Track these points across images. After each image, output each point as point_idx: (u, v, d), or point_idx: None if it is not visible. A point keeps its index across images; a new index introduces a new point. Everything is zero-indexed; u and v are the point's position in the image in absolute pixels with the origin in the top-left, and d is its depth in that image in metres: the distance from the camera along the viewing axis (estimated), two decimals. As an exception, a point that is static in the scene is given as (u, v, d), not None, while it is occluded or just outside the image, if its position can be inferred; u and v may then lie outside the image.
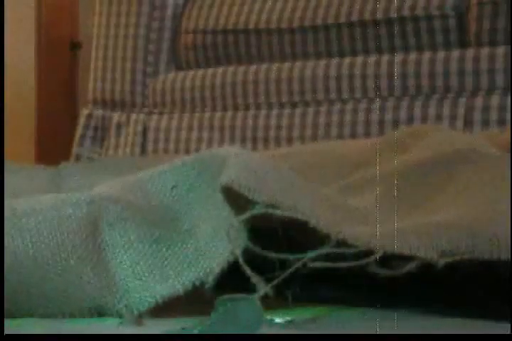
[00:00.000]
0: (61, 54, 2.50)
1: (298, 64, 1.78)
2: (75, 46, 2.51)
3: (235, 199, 0.66)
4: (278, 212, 0.63)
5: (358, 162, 0.87)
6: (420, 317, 0.66)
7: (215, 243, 0.65)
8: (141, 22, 1.97)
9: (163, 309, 0.64)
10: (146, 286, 0.64)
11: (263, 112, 1.81)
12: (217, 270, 0.63)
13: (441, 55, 1.66)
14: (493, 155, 0.81)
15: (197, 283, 0.64)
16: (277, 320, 0.64)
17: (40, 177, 1.10)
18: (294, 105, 1.79)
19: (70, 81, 2.52)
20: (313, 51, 1.79)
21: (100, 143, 2.00)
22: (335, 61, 1.75)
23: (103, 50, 2.00)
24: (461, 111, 1.62)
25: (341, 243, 0.62)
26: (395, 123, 1.67)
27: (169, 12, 1.97)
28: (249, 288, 0.61)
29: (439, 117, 1.64)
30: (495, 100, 1.60)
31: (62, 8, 2.51)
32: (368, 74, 1.71)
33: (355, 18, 1.74)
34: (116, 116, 1.99)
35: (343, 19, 1.75)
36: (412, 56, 1.68)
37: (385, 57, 1.70)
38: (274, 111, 1.80)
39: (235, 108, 1.85)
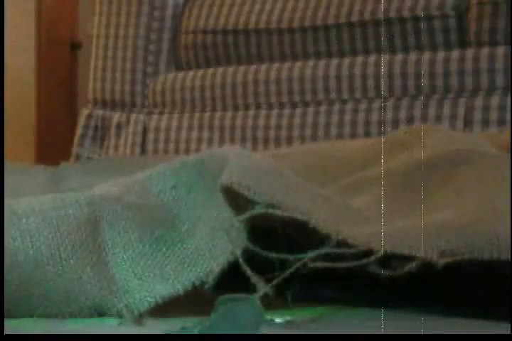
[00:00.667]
0: (61, 54, 2.50)
1: (298, 64, 1.78)
2: (75, 46, 2.51)
3: (235, 200, 0.66)
4: (278, 212, 0.63)
5: (358, 162, 0.87)
6: (420, 317, 0.66)
7: (215, 243, 0.65)
8: (141, 22, 1.97)
9: (163, 309, 0.64)
10: (146, 286, 0.64)
11: (263, 112, 1.81)
12: (217, 270, 0.63)
13: (441, 55, 1.66)
14: (493, 155, 0.81)
15: (197, 283, 0.64)
16: (277, 320, 0.64)
17: (40, 178, 1.10)
18: (294, 105, 1.79)
19: (70, 81, 2.52)
20: (313, 51, 1.79)
21: (100, 143, 2.00)
22: (335, 61, 1.75)
23: (103, 50, 2.00)
24: (461, 111, 1.62)
25: (341, 243, 0.62)
26: (395, 123, 1.67)
27: (169, 12, 1.97)
28: (249, 288, 0.61)
29: (439, 117, 1.64)
30: (495, 100, 1.60)
31: (62, 8, 2.51)
32: (368, 74, 1.71)
33: (355, 18, 1.74)
34: (116, 116, 1.99)
35: (343, 19, 1.75)
36: (412, 56, 1.68)
37: (385, 58, 1.70)
38: (274, 111, 1.80)
39: (235, 108, 1.85)
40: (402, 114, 1.67)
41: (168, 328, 0.57)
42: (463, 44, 1.66)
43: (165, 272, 0.64)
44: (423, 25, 1.69)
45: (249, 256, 0.63)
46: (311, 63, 1.77)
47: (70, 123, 2.34)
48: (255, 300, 0.57)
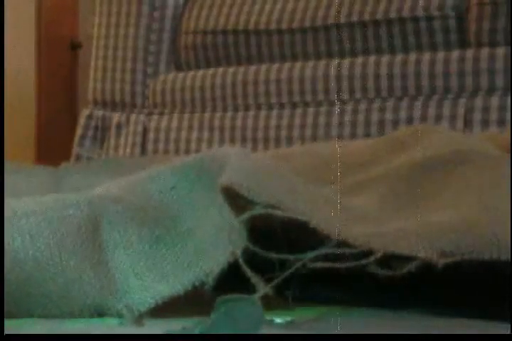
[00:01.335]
0: (61, 54, 2.50)
1: (298, 64, 1.79)
2: (75, 46, 2.51)
3: (235, 200, 0.66)
4: (278, 213, 0.63)
5: (359, 163, 0.87)
6: (420, 317, 0.66)
7: (215, 243, 0.65)
8: (142, 22, 1.97)
9: (164, 309, 0.64)
10: (147, 286, 0.64)
11: (263, 113, 1.81)
12: (217, 270, 0.63)
13: (441, 55, 1.66)
14: (493, 156, 0.81)
15: (197, 283, 0.64)
16: (277, 320, 0.64)
17: (40, 178, 1.10)
18: (294, 105, 1.79)
19: (70, 81, 2.52)
20: (313, 52, 1.79)
21: (100, 143, 2.00)
22: (335, 62, 1.75)
23: (103, 50, 2.00)
24: (461, 111, 1.62)
25: (341, 243, 0.62)
26: (395, 124, 1.67)
27: (169, 12, 1.97)
28: (249, 289, 0.61)
29: (438, 117, 1.64)
30: (495, 100, 1.60)
31: (63, 8, 2.51)
32: (367, 75, 1.71)
33: (355, 18, 1.74)
34: (116, 117, 1.99)
35: (343, 20, 1.75)
36: (412, 56, 1.68)
37: (385, 58, 1.70)
38: (274, 112, 1.80)
39: (235, 108, 1.85)
40: (402, 115, 1.67)
41: (169, 328, 0.57)
42: (463, 44, 1.66)
43: (165, 272, 0.64)
44: (423, 25, 1.69)
45: (249, 257, 0.63)
46: (311, 63, 1.77)
47: (70, 124, 2.34)
48: (255, 300, 0.57)
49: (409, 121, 1.66)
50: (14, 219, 0.67)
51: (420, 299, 0.69)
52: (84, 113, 2.02)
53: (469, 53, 1.63)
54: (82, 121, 2.02)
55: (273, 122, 1.79)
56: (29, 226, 0.67)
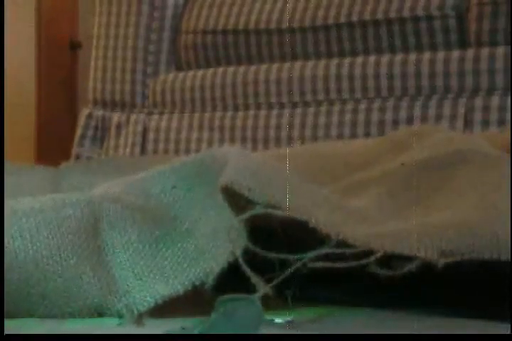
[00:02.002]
0: (61, 54, 2.50)
1: (298, 64, 1.78)
2: (75, 46, 2.51)
3: (235, 200, 0.66)
4: (278, 213, 0.63)
5: (359, 162, 0.87)
6: (420, 317, 0.66)
7: (215, 243, 0.65)
8: (141, 22, 1.97)
9: (163, 309, 0.64)
10: (146, 286, 0.64)
11: (263, 112, 1.81)
12: (217, 270, 0.63)
13: (441, 55, 1.66)
14: (492, 156, 0.81)
15: (197, 283, 0.64)
16: (277, 320, 0.64)
17: (40, 178, 1.10)
18: (294, 105, 1.79)
19: (69, 81, 2.52)
20: (314, 51, 1.79)
21: (100, 143, 2.00)
22: (335, 61, 1.75)
23: (103, 50, 2.00)
24: (461, 111, 1.62)
25: (341, 243, 0.62)
26: (395, 124, 1.67)
27: (169, 12, 1.97)
28: (249, 288, 0.61)
29: (439, 117, 1.64)
30: (495, 100, 1.60)
31: (62, 8, 2.51)
32: (367, 75, 1.71)
33: (355, 18, 1.74)
34: (116, 116, 1.99)
35: (343, 19, 1.75)
36: (412, 56, 1.68)
37: (385, 58, 1.70)
38: (274, 112, 1.80)
39: (235, 108, 1.85)
40: (402, 115, 1.67)
41: (168, 328, 0.57)
42: (463, 44, 1.66)
43: (165, 272, 0.64)
44: (423, 25, 1.69)
45: (249, 256, 0.63)
46: (311, 63, 1.77)
47: (70, 124, 2.34)
48: (255, 300, 0.57)
49: (410, 121, 1.66)
50: (14, 219, 0.67)
51: (420, 299, 0.69)
52: (84, 113, 2.02)
53: (469, 53, 1.63)
54: (81, 120, 2.02)
55: (273, 122, 1.79)
56: (29, 226, 0.67)
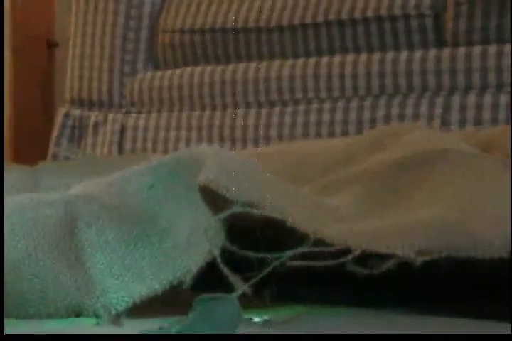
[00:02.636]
0: (37, 53, 2.49)
1: (276, 63, 1.79)
2: (51, 45, 2.50)
3: (213, 199, 0.65)
4: (256, 212, 0.63)
5: (336, 161, 0.87)
6: (404, 316, 0.66)
7: (193, 242, 0.64)
8: (119, 21, 1.96)
9: (141, 309, 0.64)
10: (124, 286, 0.64)
11: (241, 111, 1.81)
12: (194, 269, 0.63)
13: (418, 54, 1.66)
14: (470, 154, 0.81)
15: (175, 282, 0.63)
16: (255, 319, 0.64)
17: (17, 177, 1.09)
18: (272, 104, 1.79)
19: (46, 80, 2.50)
20: (291, 50, 1.79)
21: (77, 142, 1.99)
22: (312, 60, 1.75)
23: (80, 48, 1.99)
24: (438, 110, 1.63)
25: (319, 242, 0.62)
26: (373, 122, 1.67)
27: (147, 11, 1.97)
28: (227, 288, 0.61)
29: (416, 116, 1.64)
30: (471, 99, 1.61)
31: (38, 7, 2.49)
32: (345, 74, 1.71)
33: (332, 17, 1.74)
34: (93, 116, 1.98)
35: (320, 19, 1.75)
36: (390, 55, 1.68)
37: (363, 57, 1.71)
38: (253, 111, 1.80)
39: (213, 107, 1.85)
40: (380, 113, 1.67)
41: (146, 328, 0.57)
42: (440, 43, 1.67)
43: (142, 272, 0.64)
44: (400, 24, 1.69)
45: (227, 256, 0.63)
46: (289, 62, 1.77)
47: (46, 123, 2.32)
48: (233, 299, 0.57)
49: (387, 119, 1.66)
50: (-10, 219, 0.67)
51: (399, 297, 0.69)
52: (61, 112, 2.01)
53: (446, 52, 1.63)
54: (59, 120, 2.01)
55: (251, 121, 1.79)
56: (5, 226, 0.66)
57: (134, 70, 1.95)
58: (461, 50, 1.62)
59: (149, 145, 1.90)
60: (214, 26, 1.86)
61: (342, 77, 1.71)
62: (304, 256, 0.62)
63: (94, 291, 0.64)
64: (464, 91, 1.62)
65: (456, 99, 1.62)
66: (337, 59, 1.73)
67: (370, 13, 1.71)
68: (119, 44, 1.96)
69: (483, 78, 1.60)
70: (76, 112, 2.00)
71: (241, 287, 0.60)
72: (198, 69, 1.87)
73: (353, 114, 1.69)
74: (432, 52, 1.65)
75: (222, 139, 1.81)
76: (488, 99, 1.59)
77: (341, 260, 0.61)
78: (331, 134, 1.70)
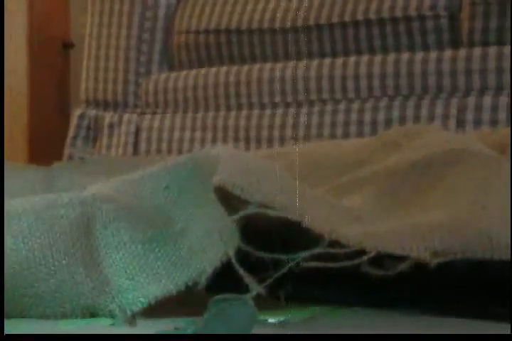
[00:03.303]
0: (53, 54, 2.50)
1: (291, 64, 1.78)
2: (67, 46, 2.51)
3: (228, 200, 0.66)
4: (271, 212, 0.63)
5: (351, 162, 0.87)
6: (416, 316, 0.66)
7: (208, 243, 0.65)
8: (134, 22, 1.97)
9: (156, 309, 0.64)
10: (139, 286, 0.64)
11: (256, 112, 1.81)
12: (210, 270, 0.63)
13: (433, 55, 1.66)
14: (485, 155, 0.81)
15: (190, 283, 0.64)
16: (270, 320, 0.64)
17: (32, 178, 1.10)
18: (287, 105, 1.79)
19: (62, 81, 2.51)
20: (307, 51, 1.79)
21: (93, 143, 2.00)
22: (328, 61, 1.75)
23: (95, 49, 2.00)
24: (453, 111, 1.62)
25: (334, 243, 0.62)
26: (388, 123, 1.67)
27: (162, 12, 1.97)
28: (242, 289, 0.61)
29: (431, 117, 1.64)
30: (487, 100, 1.60)
31: (54, 8, 2.50)
32: (360, 75, 1.71)
33: (347, 18, 1.74)
34: (108, 116, 1.98)
35: (335, 19, 1.75)
36: (405, 56, 1.68)
37: (378, 58, 1.70)
38: (267, 111, 1.80)
39: (228, 108, 1.85)
40: (395, 114, 1.67)
41: (161, 328, 0.57)
42: (455, 44, 1.67)
43: (158, 272, 0.64)
44: (415, 25, 1.69)
45: (243, 256, 0.63)
46: (304, 63, 1.77)
47: (62, 124, 2.33)
48: (248, 300, 0.57)
49: (402, 120, 1.66)
50: (7, 219, 0.67)
51: (414, 299, 0.69)
52: (77, 113, 2.02)
53: (461, 53, 1.63)
54: (74, 121, 2.01)
55: (266, 121, 1.79)
56: (21, 226, 0.67)
57: (149, 71, 1.96)
58: (477, 51, 1.62)
59: (164, 146, 1.90)
60: (229, 27, 1.86)
61: (357, 77, 1.71)
62: (319, 257, 0.62)
63: (109, 291, 0.64)
64: (480, 92, 1.61)
65: (471, 100, 1.61)
66: (352, 60, 1.72)
67: (385, 14, 1.70)
68: (134, 45, 1.97)
69: (498, 78, 1.59)
70: (91, 113, 2.00)
71: (256, 288, 0.60)
72: (213, 70, 1.87)
73: (368, 114, 1.69)
74: (448, 53, 1.65)
75: (237, 140, 1.81)
76: (503, 99, 1.59)
77: (356, 261, 0.61)
78: (346, 135, 1.70)
